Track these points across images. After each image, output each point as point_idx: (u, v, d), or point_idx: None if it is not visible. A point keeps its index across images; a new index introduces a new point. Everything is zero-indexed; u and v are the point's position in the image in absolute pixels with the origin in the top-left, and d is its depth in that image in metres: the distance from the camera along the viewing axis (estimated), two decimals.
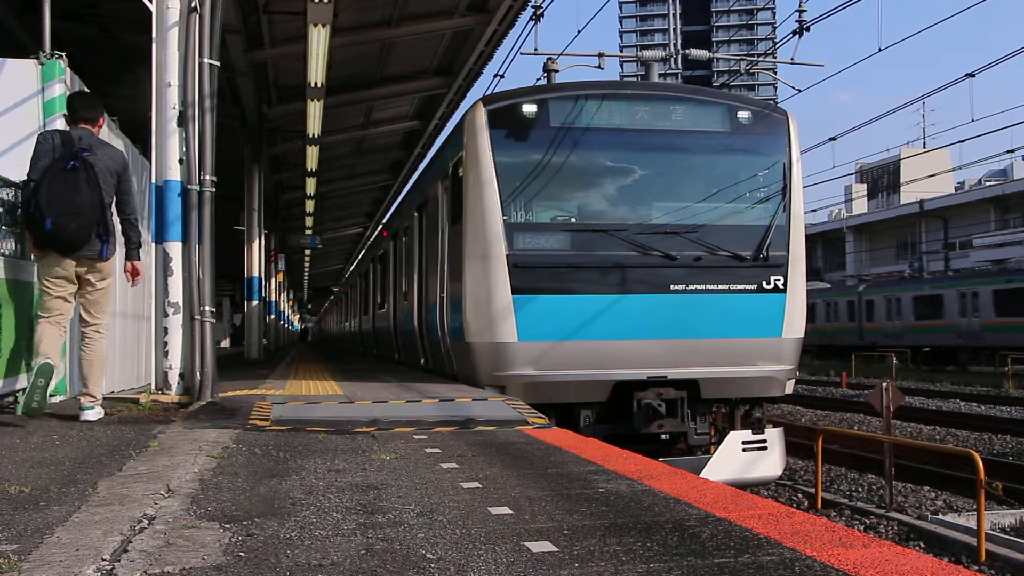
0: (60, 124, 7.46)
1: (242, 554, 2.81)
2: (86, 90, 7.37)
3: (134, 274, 6.48)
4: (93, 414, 6.28)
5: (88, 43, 13.17)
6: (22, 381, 6.80)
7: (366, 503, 3.59)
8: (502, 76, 16.60)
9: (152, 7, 7.39)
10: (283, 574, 2.61)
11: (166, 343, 7.34)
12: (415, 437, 5.56)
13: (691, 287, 8.49)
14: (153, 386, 7.44)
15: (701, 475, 6.87)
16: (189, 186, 7.29)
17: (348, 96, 17.36)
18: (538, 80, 13.52)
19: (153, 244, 7.50)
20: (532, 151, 8.54)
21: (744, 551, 2.86)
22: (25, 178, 6.06)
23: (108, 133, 6.92)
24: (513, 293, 8.17)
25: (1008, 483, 8.76)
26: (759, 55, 25.60)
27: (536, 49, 16.04)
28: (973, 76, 19.06)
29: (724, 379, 8.60)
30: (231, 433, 5.64)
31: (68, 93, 6.98)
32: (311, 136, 16.27)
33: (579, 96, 8.77)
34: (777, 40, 19.20)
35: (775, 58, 24.69)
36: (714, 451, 8.58)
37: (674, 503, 3.61)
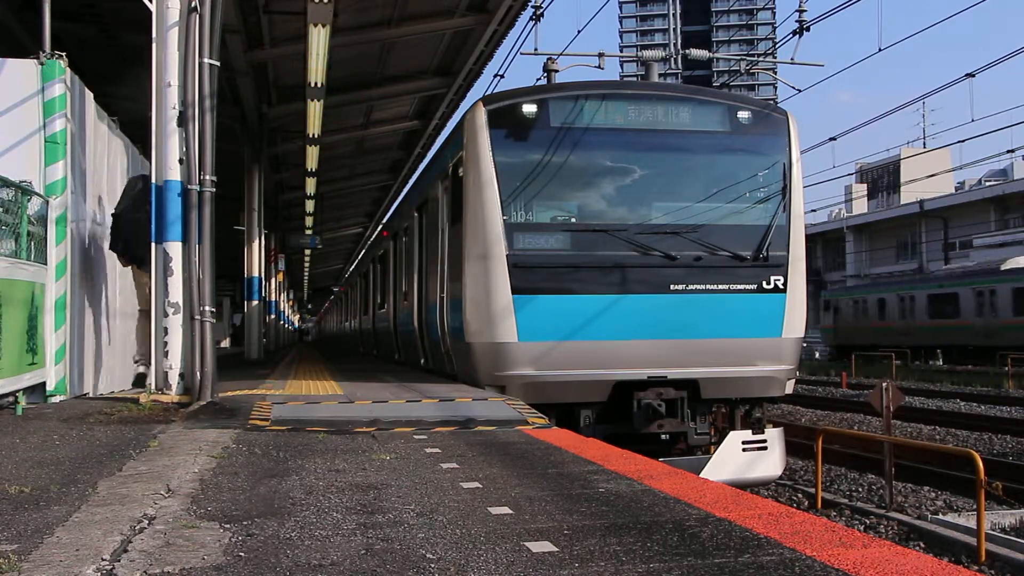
0: (60, 124, 7.48)
1: (242, 554, 2.81)
2: None
3: None
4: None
5: (88, 43, 13.18)
6: (23, 381, 6.81)
7: (366, 503, 3.59)
8: (502, 76, 16.60)
9: (152, 7, 7.39)
10: (283, 574, 2.61)
11: (166, 343, 7.34)
12: (415, 437, 5.56)
13: (691, 287, 8.49)
14: (153, 386, 7.43)
15: (701, 475, 6.87)
16: (189, 186, 7.29)
17: (348, 96, 17.37)
18: (538, 80, 13.52)
19: (153, 244, 7.50)
20: (532, 151, 8.53)
21: (744, 551, 2.86)
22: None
23: None
24: (513, 293, 8.16)
25: (1008, 483, 8.75)
26: (759, 55, 25.59)
27: (536, 49, 16.01)
28: (973, 76, 19.05)
29: (724, 379, 8.59)
30: (231, 433, 5.64)
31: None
32: (311, 136, 16.27)
33: (579, 96, 8.76)
34: (777, 40, 19.20)
35: (775, 58, 24.70)
36: (714, 451, 8.57)
37: (674, 503, 3.61)
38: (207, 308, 7.31)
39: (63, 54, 7.53)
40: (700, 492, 3.83)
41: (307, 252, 36.53)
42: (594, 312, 8.27)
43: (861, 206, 75.01)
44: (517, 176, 8.39)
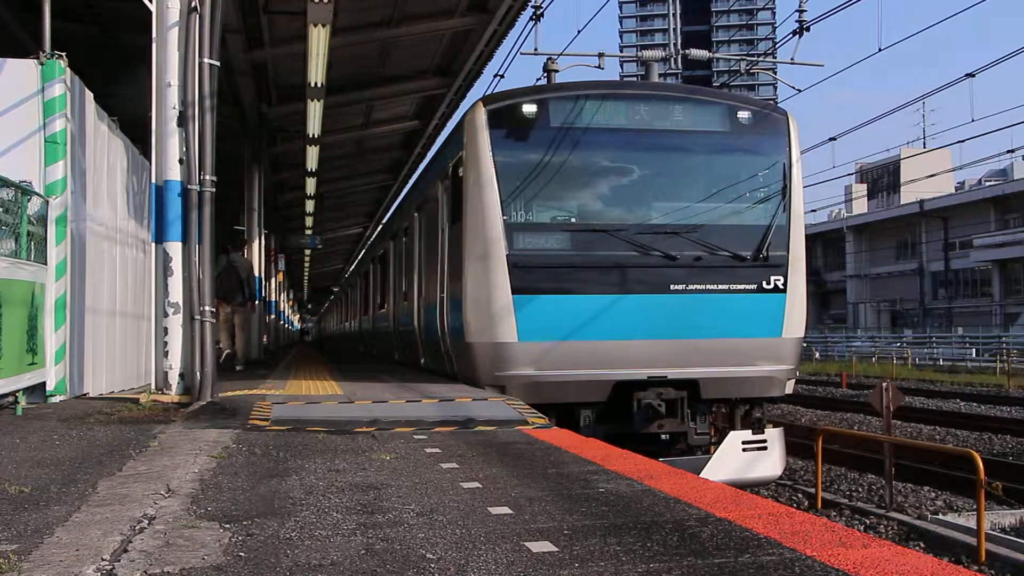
0: (60, 124, 7.48)
1: (242, 554, 2.81)
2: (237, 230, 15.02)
3: (253, 306, 14.37)
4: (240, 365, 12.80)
5: (88, 43, 13.16)
6: (23, 381, 6.81)
7: (366, 503, 3.59)
8: (502, 76, 16.60)
9: (152, 7, 7.39)
10: (283, 574, 2.61)
11: (166, 343, 7.34)
12: (415, 437, 5.56)
13: (691, 287, 8.49)
14: (153, 386, 7.44)
15: (701, 475, 6.87)
16: (189, 186, 7.29)
17: (348, 96, 17.34)
18: (538, 80, 13.51)
19: (153, 244, 7.50)
20: (532, 151, 8.53)
21: (744, 551, 2.86)
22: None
23: (237, 256, 13.60)
24: (513, 293, 8.16)
25: (1008, 483, 8.75)
26: (759, 55, 25.56)
27: (536, 49, 16.00)
28: (973, 76, 19.02)
29: (724, 379, 8.59)
30: (231, 433, 5.64)
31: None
32: (311, 136, 16.26)
33: (579, 96, 8.76)
34: (777, 40, 19.19)
35: (775, 58, 24.62)
36: (714, 451, 8.58)
37: (674, 503, 3.61)
38: (207, 308, 7.32)
39: (63, 54, 7.53)
40: (700, 492, 3.83)
41: (307, 252, 36.49)
42: (594, 312, 8.28)
43: (861, 206, 75.04)
44: (517, 176, 8.40)
